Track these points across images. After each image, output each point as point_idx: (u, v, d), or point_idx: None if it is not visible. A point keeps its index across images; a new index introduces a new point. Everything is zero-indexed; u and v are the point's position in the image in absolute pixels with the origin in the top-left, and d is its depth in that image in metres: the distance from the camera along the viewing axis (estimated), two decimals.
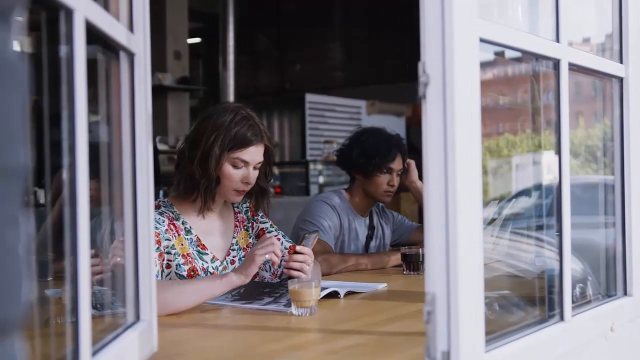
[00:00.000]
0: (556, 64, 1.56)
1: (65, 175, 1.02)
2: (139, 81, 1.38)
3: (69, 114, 1.01)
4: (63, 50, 1.02)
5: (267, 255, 2.01)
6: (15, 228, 0.53)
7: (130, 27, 1.36)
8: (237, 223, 2.41)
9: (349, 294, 2.21)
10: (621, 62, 1.86)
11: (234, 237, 2.38)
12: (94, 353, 1.10)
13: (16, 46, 0.56)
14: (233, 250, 2.36)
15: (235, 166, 2.22)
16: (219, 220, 2.36)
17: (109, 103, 1.35)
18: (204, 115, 2.29)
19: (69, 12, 1.00)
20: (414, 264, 2.68)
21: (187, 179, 2.23)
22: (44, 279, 1.34)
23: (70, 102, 1.01)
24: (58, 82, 1.02)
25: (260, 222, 2.46)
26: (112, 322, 1.43)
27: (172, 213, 2.25)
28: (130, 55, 1.36)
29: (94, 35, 1.12)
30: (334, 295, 2.15)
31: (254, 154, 2.24)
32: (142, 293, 1.39)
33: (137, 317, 1.38)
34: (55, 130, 1.02)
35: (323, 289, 2.06)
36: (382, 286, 2.39)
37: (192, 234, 2.26)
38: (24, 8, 0.61)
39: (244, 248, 2.39)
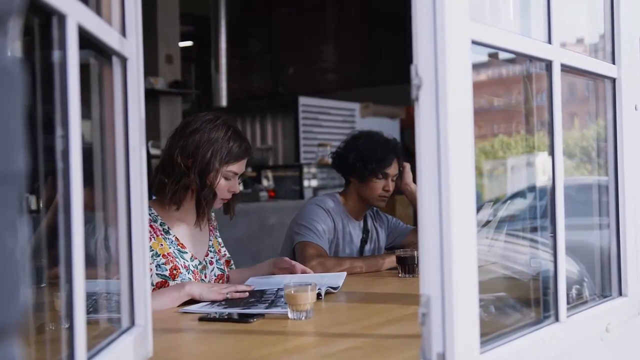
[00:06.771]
0: (548, 65, 1.57)
1: (59, 180, 1.01)
2: (132, 86, 1.37)
3: (62, 119, 1.01)
4: (56, 55, 1.02)
5: (228, 295, 2.15)
6: (13, 233, 0.53)
7: (123, 32, 1.36)
8: (212, 228, 2.53)
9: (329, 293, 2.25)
10: (613, 63, 1.86)
11: (210, 240, 2.49)
12: (89, 358, 1.09)
13: (13, 52, 0.56)
14: (210, 251, 2.47)
15: (226, 178, 2.34)
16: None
17: (101, 108, 1.35)
18: (192, 128, 2.33)
19: (62, 18, 1.00)
20: (409, 266, 2.67)
21: (181, 190, 2.30)
22: (38, 285, 1.33)
23: (64, 107, 1.01)
24: (51, 87, 1.01)
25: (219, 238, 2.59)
26: (106, 327, 1.42)
27: (150, 215, 2.30)
28: (123, 60, 1.35)
29: (86, 40, 1.12)
30: (328, 292, 2.20)
31: (243, 165, 2.39)
32: (137, 298, 1.38)
33: (132, 322, 1.38)
34: (48, 135, 1.01)
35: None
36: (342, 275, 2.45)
37: (171, 234, 2.34)
38: (21, 14, 0.61)
39: (217, 251, 2.51)
